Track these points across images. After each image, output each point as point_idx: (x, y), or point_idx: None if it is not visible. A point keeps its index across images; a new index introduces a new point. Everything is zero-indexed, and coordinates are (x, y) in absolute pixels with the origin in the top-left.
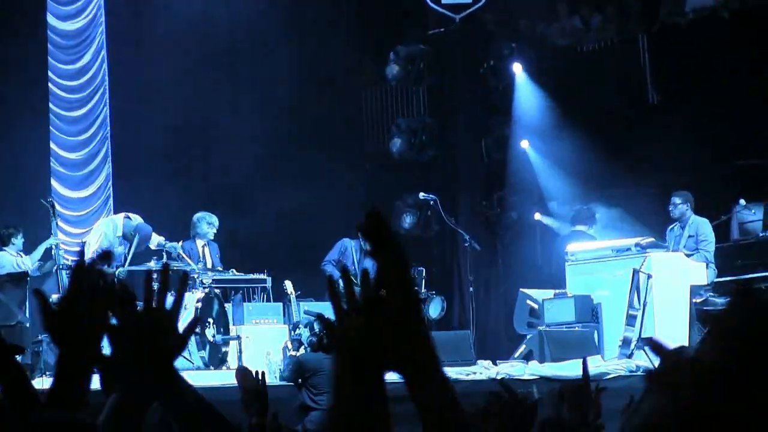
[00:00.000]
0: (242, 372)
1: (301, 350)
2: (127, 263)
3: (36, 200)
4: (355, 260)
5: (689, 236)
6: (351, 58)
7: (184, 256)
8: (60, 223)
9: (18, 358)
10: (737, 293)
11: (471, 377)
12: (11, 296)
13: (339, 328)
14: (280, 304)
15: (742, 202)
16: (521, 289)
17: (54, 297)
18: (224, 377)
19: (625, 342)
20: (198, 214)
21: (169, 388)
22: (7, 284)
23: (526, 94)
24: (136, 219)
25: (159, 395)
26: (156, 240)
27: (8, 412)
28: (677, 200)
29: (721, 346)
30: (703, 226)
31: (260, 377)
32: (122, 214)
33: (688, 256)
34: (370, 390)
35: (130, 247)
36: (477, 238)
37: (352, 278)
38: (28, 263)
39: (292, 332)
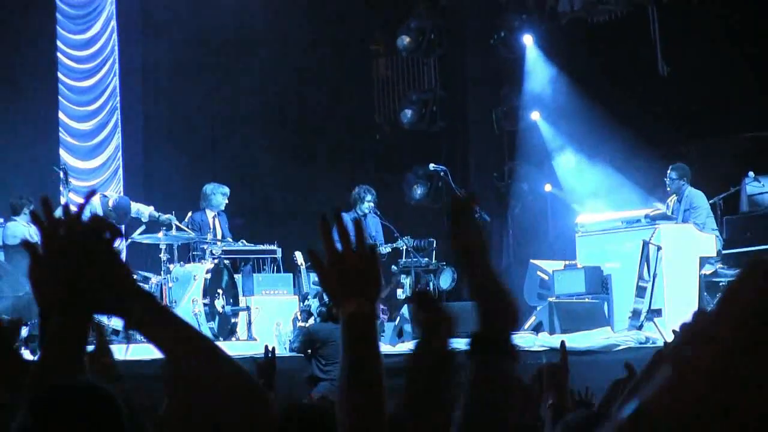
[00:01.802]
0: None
1: (311, 321)
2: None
3: (45, 170)
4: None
5: (685, 210)
6: (362, 29)
7: (180, 226)
8: (69, 194)
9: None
10: (752, 266)
11: None
12: (21, 267)
13: (327, 265)
14: (290, 274)
15: (752, 174)
16: (531, 260)
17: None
18: (234, 348)
19: (635, 313)
20: (210, 186)
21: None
22: (18, 255)
23: (537, 65)
24: (112, 196)
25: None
26: (146, 211)
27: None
28: (673, 174)
29: (737, 321)
30: (697, 198)
31: (270, 352)
32: (98, 194)
33: None
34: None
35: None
36: (487, 210)
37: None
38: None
39: (302, 303)
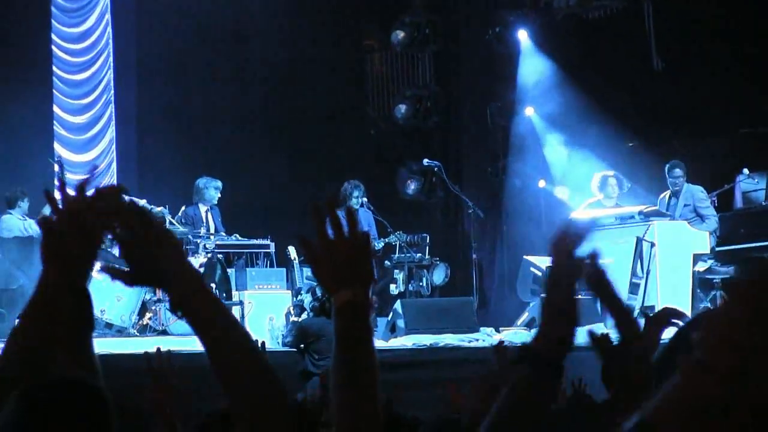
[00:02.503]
0: None
1: (304, 315)
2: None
3: (39, 163)
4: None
5: (685, 205)
6: (356, 24)
7: (173, 221)
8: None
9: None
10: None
11: (473, 344)
12: (15, 260)
13: (320, 254)
14: (283, 269)
15: (746, 171)
16: (525, 256)
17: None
18: None
19: None
20: (203, 180)
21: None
22: (14, 248)
23: (531, 61)
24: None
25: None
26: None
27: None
28: (680, 172)
29: (751, 323)
30: (699, 193)
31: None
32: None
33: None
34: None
35: None
36: (481, 205)
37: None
38: (36, 227)
39: (295, 298)
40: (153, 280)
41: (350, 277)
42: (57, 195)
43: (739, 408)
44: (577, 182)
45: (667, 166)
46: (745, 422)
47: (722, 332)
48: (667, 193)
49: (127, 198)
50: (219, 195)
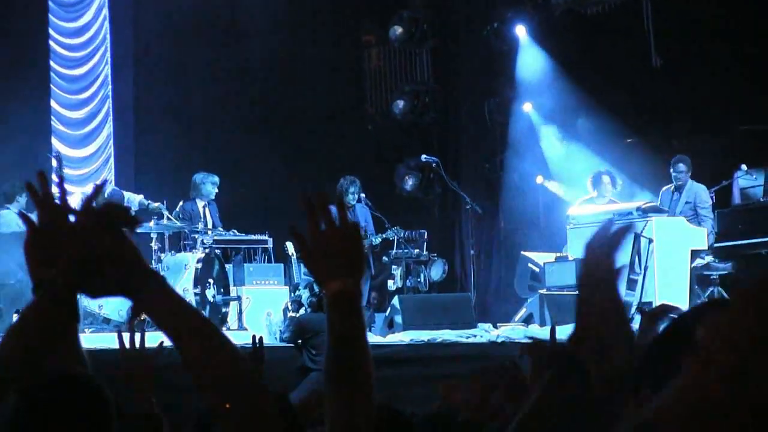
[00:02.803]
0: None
1: (302, 311)
2: None
3: (36, 159)
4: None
5: (686, 202)
6: (354, 19)
7: (170, 216)
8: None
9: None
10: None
11: (471, 340)
12: (13, 255)
13: (311, 245)
14: (281, 265)
15: (744, 167)
16: (522, 252)
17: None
18: None
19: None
20: (199, 175)
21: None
22: (11, 243)
23: (529, 56)
24: (108, 187)
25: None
26: (136, 199)
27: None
28: (683, 167)
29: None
30: (702, 194)
31: (257, 342)
32: (91, 185)
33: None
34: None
35: None
36: (479, 201)
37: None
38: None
39: (293, 293)
40: (118, 290)
41: (341, 268)
42: (56, 190)
43: (739, 408)
44: (574, 178)
45: (672, 159)
46: (745, 423)
47: (724, 332)
48: (671, 186)
49: (108, 193)
50: (216, 190)
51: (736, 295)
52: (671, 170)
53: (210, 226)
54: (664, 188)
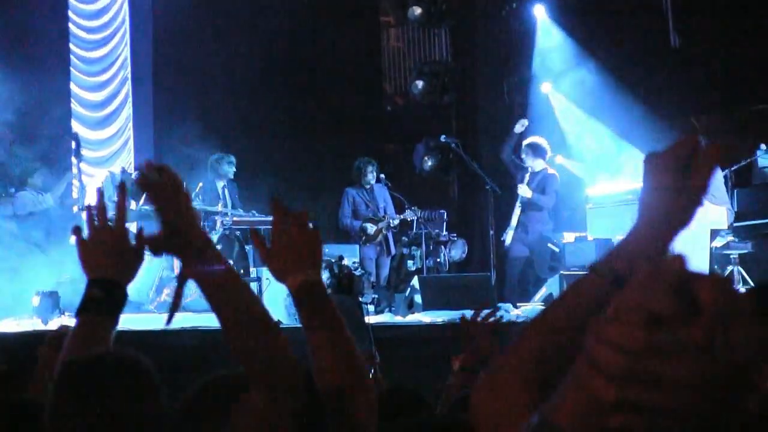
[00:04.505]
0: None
1: None
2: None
3: (56, 140)
4: (366, 203)
5: None
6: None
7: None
8: (81, 165)
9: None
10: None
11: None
12: (30, 236)
13: (274, 243)
14: None
15: (764, 146)
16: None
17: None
18: None
19: None
20: (216, 155)
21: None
22: (28, 223)
23: (548, 37)
24: (133, 173)
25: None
26: None
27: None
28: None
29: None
30: (719, 174)
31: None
32: (120, 166)
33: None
34: None
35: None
36: (498, 181)
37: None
38: (50, 201)
39: None
40: (180, 248)
41: (303, 260)
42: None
43: (630, 410)
44: (592, 158)
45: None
46: (636, 424)
47: (610, 335)
48: None
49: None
50: (234, 169)
51: (615, 299)
52: None
53: (230, 206)
54: None
